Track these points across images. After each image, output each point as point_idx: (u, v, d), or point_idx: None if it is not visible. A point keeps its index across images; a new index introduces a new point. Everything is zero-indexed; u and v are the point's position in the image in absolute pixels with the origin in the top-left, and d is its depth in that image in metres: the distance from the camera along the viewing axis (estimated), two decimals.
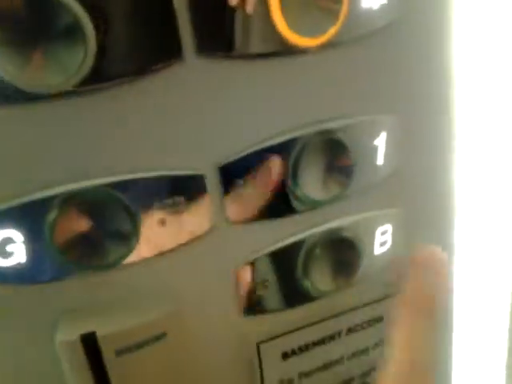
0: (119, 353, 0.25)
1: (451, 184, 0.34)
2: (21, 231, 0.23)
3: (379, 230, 0.32)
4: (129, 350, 0.25)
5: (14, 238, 0.23)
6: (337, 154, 0.28)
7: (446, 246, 0.35)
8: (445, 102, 0.32)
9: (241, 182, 0.27)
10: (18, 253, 0.24)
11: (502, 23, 0.32)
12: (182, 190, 0.26)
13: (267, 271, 0.30)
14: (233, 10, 0.23)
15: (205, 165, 0.26)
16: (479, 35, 0.32)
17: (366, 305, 0.34)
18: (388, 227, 0.32)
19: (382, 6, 0.26)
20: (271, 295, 0.31)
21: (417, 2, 0.28)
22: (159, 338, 0.26)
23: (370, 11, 0.26)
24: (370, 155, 0.30)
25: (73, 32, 0.21)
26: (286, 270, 0.31)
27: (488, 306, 0.40)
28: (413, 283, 0.24)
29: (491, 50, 0.32)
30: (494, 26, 0.32)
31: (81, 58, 0.21)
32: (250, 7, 0.24)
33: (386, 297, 0.34)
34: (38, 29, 0.20)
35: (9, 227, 0.23)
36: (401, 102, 0.30)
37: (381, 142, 0.30)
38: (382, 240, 0.33)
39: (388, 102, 0.30)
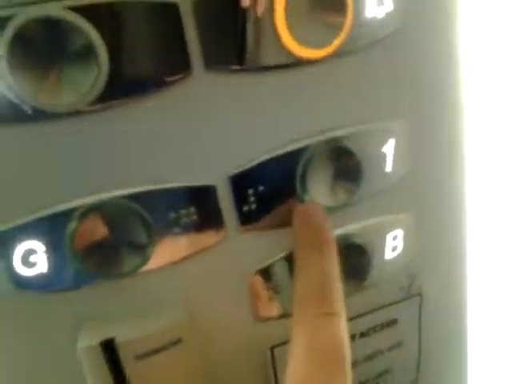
0: (137, 358, 0.26)
1: (462, 188, 0.34)
2: (43, 242, 0.25)
3: (390, 235, 0.33)
4: (146, 355, 0.26)
5: (37, 249, 0.25)
6: (345, 162, 0.29)
7: (458, 250, 0.36)
8: (453, 107, 0.32)
9: (251, 191, 0.28)
10: (41, 263, 0.25)
11: (509, 27, 0.32)
12: (195, 200, 0.27)
13: (280, 277, 0.31)
14: (239, 24, 0.24)
15: (216, 175, 0.27)
16: (486, 39, 0.32)
17: (378, 309, 0.34)
18: (399, 232, 0.33)
19: (387, 15, 0.27)
20: (284, 300, 0.31)
21: (421, 8, 0.28)
22: (175, 343, 0.27)
23: (374, 20, 0.27)
24: (379, 162, 0.30)
25: (86, 52, 0.22)
26: None
27: (501, 309, 0.41)
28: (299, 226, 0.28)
29: (499, 54, 0.33)
30: (500, 30, 0.32)
31: (94, 77, 0.22)
32: (259, 11, 0.24)
33: (398, 300, 0.35)
34: (53, 50, 0.22)
35: (31, 239, 0.24)
36: (408, 108, 0.30)
37: (389, 148, 0.30)
38: (393, 245, 0.33)
39: (395, 109, 0.30)
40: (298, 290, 0.25)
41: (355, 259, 0.32)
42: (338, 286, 0.25)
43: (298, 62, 0.26)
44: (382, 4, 0.27)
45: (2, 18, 0.21)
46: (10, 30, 0.21)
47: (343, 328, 0.24)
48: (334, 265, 0.26)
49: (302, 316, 0.24)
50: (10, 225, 0.24)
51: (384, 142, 0.30)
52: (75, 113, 0.23)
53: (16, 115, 0.22)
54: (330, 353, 0.22)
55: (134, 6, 0.23)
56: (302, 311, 0.24)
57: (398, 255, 0.33)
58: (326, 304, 0.24)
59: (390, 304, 0.35)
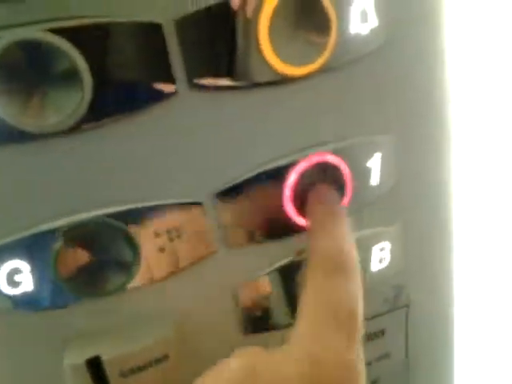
0: (123, 375, 0.26)
1: (448, 200, 0.35)
2: (28, 262, 0.25)
3: (376, 247, 0.33)
4: (132, 372, 0.27)
5: (22, 268, 0.25)
6: (331, 177, 0.29)
7: (445, 261, 0.36)
8: (439, 120, 0.32)
9: (238, 207, 0.28)
10: (26, 282, 0.25)
11: (493, 41, 0.32)
12: (182, 217, 0.27)
13: (268, 290, 0.31)
14: (222, 43, 0.24)
15: (202, 192, 0.27)
16: (471, 52, 0.32)
17: (366, 320, 0.34)
18: (386, 244, 0.33)
19: (371, 31, 0.27)
20: (272, 313, 0.32)
21: (406, 24, 0.29)
22: (161, 360, 0.27)
23: (358, 37, 0.27)
24: (365, 176, 0.31)
25: (70, 74, 0.22)
26: (287, 288, 0.31)
27: (487, 319, 0.41)
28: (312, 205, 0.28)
29: (484, 67, 0.33)
30: (485, 44, 0.32)
31: (78, 99, 0.22)
32: (243, 30, 0.25)
33: (385, 312, 0.35)
34: (38, 74, 0.22)
35: (16, 258, 0.24)
36: (394, 122, 0.31)
37: (375, 162, 0.31)
38: (380, 257, 0.33)
39: (381, 124, 0.30)
40: (312, 256, 0.25)
41: None
42: (353, 251, 0.25)
43: (283, 80, 0.26)
44: (366, 21, 0.27)
45: None
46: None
47: (358, 286, 0.24)
48: (348, 235, 0.26)
49: (314, 276, 0.24)
50: None
51: (370, 156, 0.30)
52: (60, 133, 0.23)
53: (0, 136, 0.23)
54: (345, 307, 0.23)
55: (117, 27, 0.23)
56: (315, 272, 0.24)
57: (384, 267, 0.33)
58: (342, 265, 0.24)
59: (378, 315, 0.35)
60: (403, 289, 0.35)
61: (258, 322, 0.32)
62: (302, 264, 0.31)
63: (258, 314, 0.31)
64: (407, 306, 0.35)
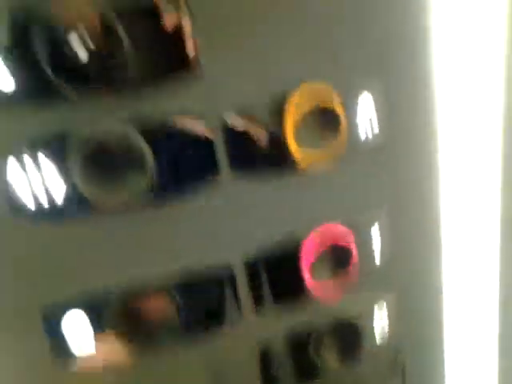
0: None
1: (438, 263, 0.40)
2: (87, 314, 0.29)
3: (378, 313, 0.38)
4: None
5: (82, 319, 0.29)
6: (341, 246, 0.35)
7: (436, 327, 0.41)
8: (431, 200, 0.38)
9: (264, 274, 0.33)
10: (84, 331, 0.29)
11: (481, 129, 0.38)
12: (217, 289, 0.32)
13: (283, 352, 0.35)
14: (257, 149, 0.31)
15: (234, 261, 0.32)
16: (460, 141, 0.38)
17: (367, 378, 0.39)
18: (385, 310, 0.38)
19: (373, 135, 0.34)
20: (287, 372, 0.36)
21: (400, 129, 0.35)
22: None
23: (363, 138, 0.34)
24: (367, 244, 0.36)
25: (140, 163, 0.28)
26: (299, 351, 0.36)
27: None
28: None
29: (473, 151, 0.39)
30: (474, 135, 0.38)
31: (143, 182, 0.28)
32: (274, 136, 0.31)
33: (385, 373, 0.39)
34: (118, 162, 0.27)
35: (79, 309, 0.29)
36: (390, 200, 0.36)
37: (375, 232, 0.36)
38: (381, 324, 0.38)
39: (379, 201, 0.36)
40: None
41: (350, 336, 0.37)
42: None
43: (306, 169, 0.32)
44: (371, 127, 0.34)
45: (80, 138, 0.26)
46: (84, 149, 0.26)
47: None
48: None
49: None
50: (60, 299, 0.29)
51: (371, 226, 0.36)
52: (123, 210, 0.28)
53: (76, 209, 0.28)
54: None
55: (181, 135, 0.29)
56: None
57: (385, 334, 0.38)
58: None
59: (377, 374, 0.39)
60: (400, 353, 0.39)
61: (273, 381, 0.36)
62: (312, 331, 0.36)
63: (274, 373, 0.35)
64: (403, 368, 0.40)
